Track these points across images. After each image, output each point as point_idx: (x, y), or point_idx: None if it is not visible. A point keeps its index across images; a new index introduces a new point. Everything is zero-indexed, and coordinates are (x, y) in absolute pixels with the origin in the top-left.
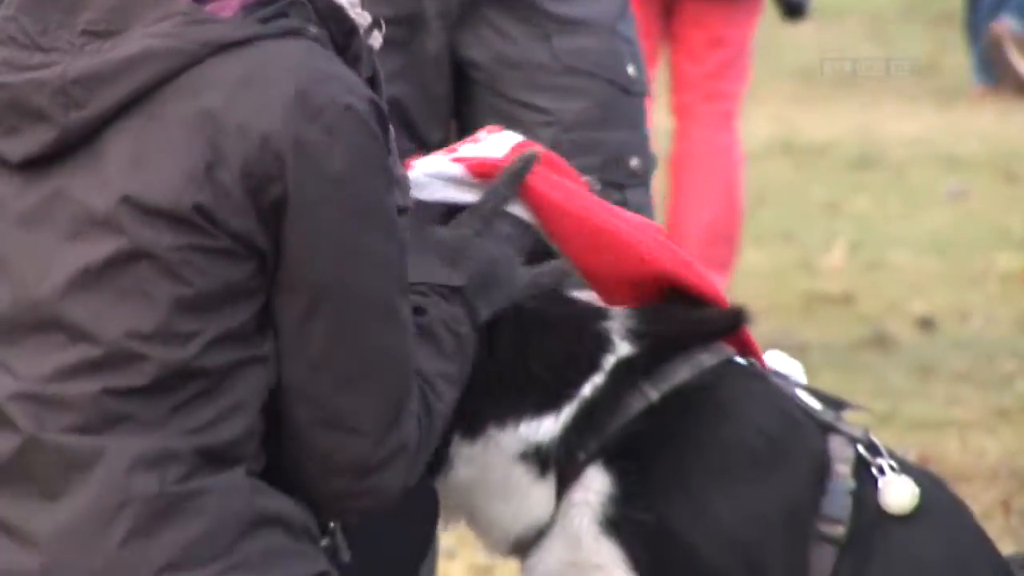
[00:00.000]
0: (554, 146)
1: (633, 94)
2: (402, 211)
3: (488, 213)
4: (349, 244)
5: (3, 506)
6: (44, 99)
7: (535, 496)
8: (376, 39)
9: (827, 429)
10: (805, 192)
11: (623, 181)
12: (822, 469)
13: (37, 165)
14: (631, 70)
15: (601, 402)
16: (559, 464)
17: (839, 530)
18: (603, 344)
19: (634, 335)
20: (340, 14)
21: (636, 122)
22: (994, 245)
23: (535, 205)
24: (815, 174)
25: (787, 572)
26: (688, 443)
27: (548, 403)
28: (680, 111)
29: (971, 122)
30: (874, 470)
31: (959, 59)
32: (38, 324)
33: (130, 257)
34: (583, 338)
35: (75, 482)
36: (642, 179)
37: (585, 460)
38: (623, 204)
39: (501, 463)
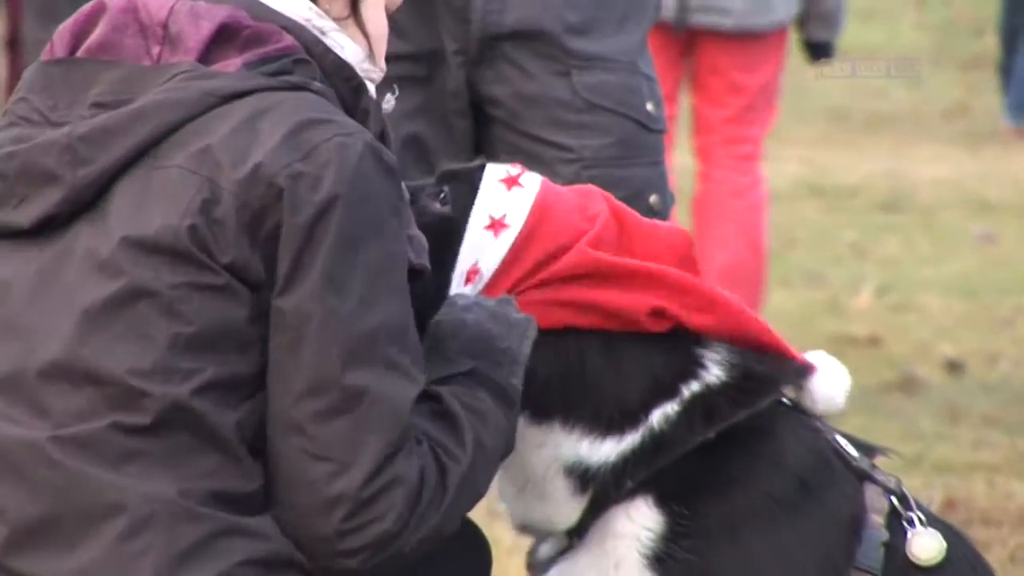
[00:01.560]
0: (574, 183)
1: (653, 131)
2: (416, 270)
3: (452, 300)
4: (332, 275)
5: (18, 560)
6: (52, 159)
7: (567, 507)
8: (390, 102)
9: (863, 478)
10: (834, 234)
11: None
12: (858, 519)
13: (48, 229)
14: (650, 106)
15: (668, 437)
16: (601, 487)
17: None
18: (691, 369)
19: (728, 365)
20: (347, 71)
21: (656, 159)
22: (1022, 289)
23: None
24: (844, 216)
25: None
26: (736, 488)
27: (616, 423)
28: (702, 153)
29: (1001, 166)
30: (904, 522)
31: (990, 102)
32: (45, 372)
33: (130, 297)
34: (673, 358)
35: (94, 528)
36: (661, 216)
37: (631, 489)
38: None
39: (549, 467)
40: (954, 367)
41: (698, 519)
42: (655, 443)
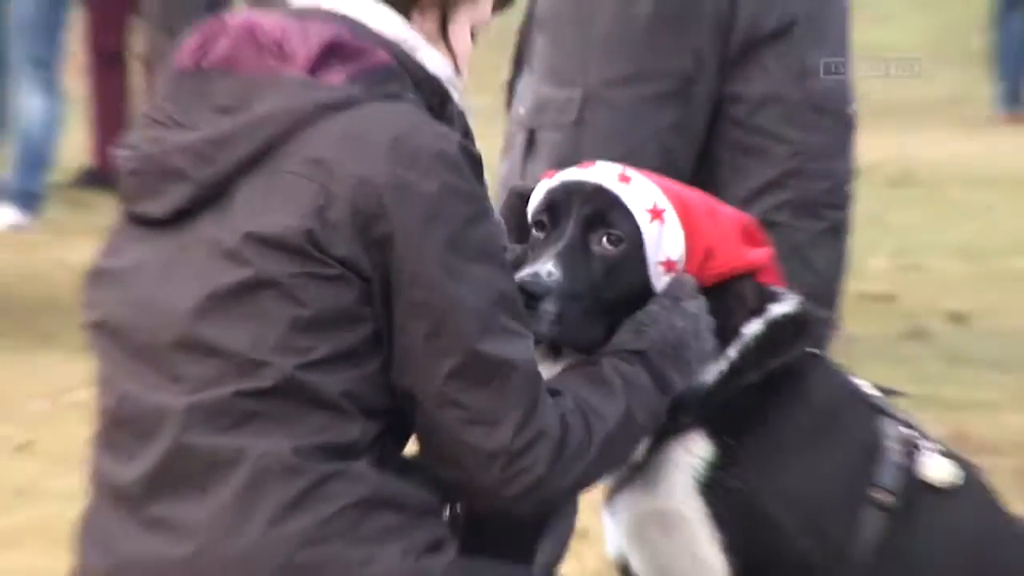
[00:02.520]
0: (796, 172)
1: (853, 128)
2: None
3: (677, 295)
4: (449, 266)
5: (156, 506)
6: (181, 159)
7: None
8: (466, 105)
9: (882, 413)
10: (853, 207)
11: (842, 203)
12: (877, 446)
13: (178, 220)
14: (854, 106)
15: (750, 358)
16: (680, 417)
17: (889, 498)
18: (773, 296)
19: (794, 300)
20: (435, 84)
21: (852, 152)
22: (1018, 251)
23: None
24: (861, 191)
25: (844, 535)
26: (775, 424)
27: (725, 339)
28: None
29: (996, 146)
30: (917, 448)
31: (984, 92)
32: (177, 344)
33: (255, 285)
34: (763, 288)
35: (219, 479)
36: (852, 200)
37: (687, 424)
38: (841, 222)
39: None
40: (958, 318)
41: (743, 449)
42: (742, 362)
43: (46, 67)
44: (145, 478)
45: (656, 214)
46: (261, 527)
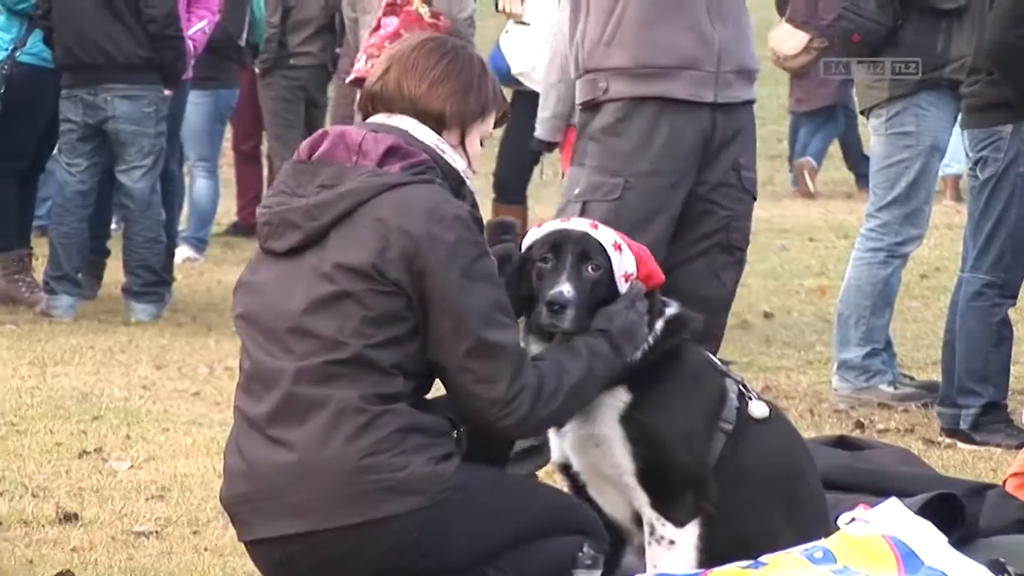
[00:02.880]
0: (725, 227)
1: (754, 202)
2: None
3: (633, 298)
4: (463, 286)
5: (274, 430)
6: (296, 216)
7: None
8: (473, 187)
9: (725, 375)
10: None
11: (745, 246)
12: (723, 395)
13: (292, 253)
14: (755, 190)
15: (657, 342)
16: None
17: (729, 426)
18: (667, 303)
19: (676, 307)
20: (456, 174)
21: (751, 217)
22: (803, 274)
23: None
24: None
25: (704, 449)
26: (665, 381)
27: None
28: None
29: (789, 210)
30: (747, 396)
31: (784, 178)
32: (290, 329)
33: (340, 295)
34: (661, 301)
35: (314, 414)
36: (748, 244)
37: (617, 379)
38: (743, 257)
39: None
40: (768, 316)
41: (647, 395)
42: (653, 344)
43: (209, 161)
44: (268, 413)
45: (617, 247)
46: (340, 444)
